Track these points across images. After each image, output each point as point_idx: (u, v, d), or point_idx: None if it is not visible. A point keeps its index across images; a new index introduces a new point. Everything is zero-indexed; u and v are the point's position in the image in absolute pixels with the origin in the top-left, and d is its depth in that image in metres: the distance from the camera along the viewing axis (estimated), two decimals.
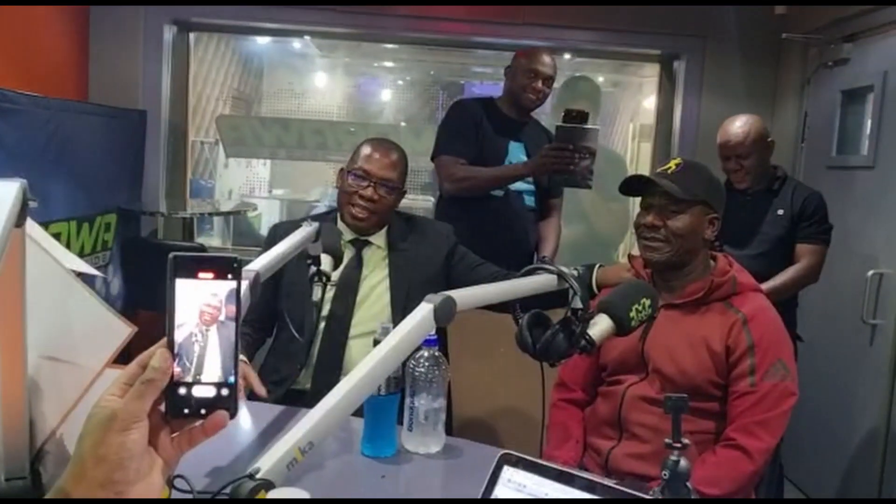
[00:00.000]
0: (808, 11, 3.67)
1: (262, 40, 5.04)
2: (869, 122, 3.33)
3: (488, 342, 2.27)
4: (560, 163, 2.54)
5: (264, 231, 5.10)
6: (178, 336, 0.71)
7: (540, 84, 2.95)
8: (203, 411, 0.72)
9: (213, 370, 0.72)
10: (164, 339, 0.72)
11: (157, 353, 0.71)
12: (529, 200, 3.03)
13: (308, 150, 4.51)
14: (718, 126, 3.02)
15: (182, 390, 0.72)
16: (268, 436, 1.59)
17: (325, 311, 2.12)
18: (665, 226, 1.81)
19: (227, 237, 4.83)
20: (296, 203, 5.44)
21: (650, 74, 4.65)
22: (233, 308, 0.72)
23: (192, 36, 4.29)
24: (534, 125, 3.11)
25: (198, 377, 0.72)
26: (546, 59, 2.99)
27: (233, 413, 0.74)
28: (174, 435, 0.73)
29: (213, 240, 4.73)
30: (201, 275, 0.72)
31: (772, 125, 3.96)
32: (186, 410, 0.72)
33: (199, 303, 0.72)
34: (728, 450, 1.70)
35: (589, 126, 2.58)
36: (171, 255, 0.71)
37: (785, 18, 3.83)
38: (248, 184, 5.32)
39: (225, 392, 0.73)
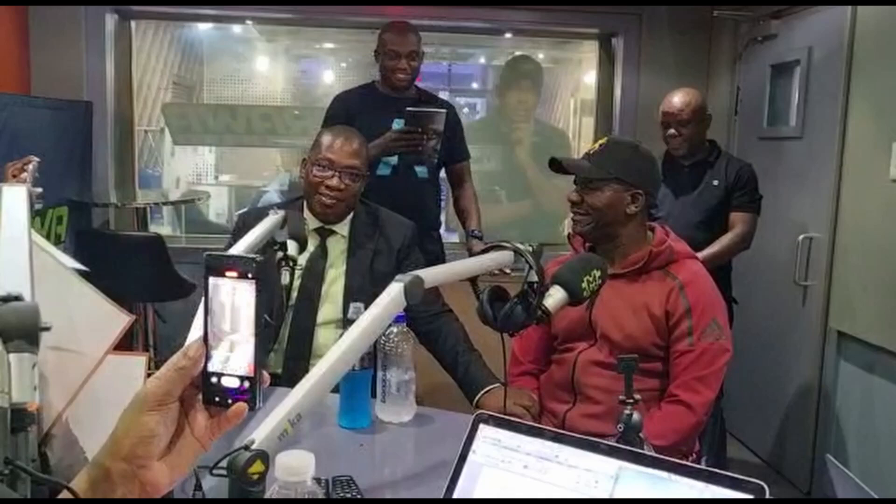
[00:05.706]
0: None
1: (203, 26, 5.00)
2: (796, 95, 3.50)
3: None
4: (409, 145, 2.77)
5: (213, 218, 5.10)
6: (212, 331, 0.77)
7: (404, 62, 2.98)
8: (229, 401, 0.78)
9: (237, 364, 0.78)
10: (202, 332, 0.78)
11: (192, 345, 0.77)
12: (422, 172, 3.06)
13: (256, 136, 4.50)
14: (657, 100, 3.18)
15: (213, 379, 0.78)
16: (249, 413, 1.66)
17: (293, 298, 2.17)
18: (584, 201, 1.94)
19: (178, 225, 4.82)
20: (243, 189, 5.41)
21: (589, 51, 4.75)
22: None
23: (132, 24, 4.27)
24: (425, 98, 3.15)
25: (225, 369, 0.78)
26: (407, 36, 3.00)
27: (252, 405, 0.78)
28: (212, 419, 0.79)
29: (164, 228, 4.71)
30: (228, 273, 0.76)
31: (707, 99, 4.13)
32: (217, 398, 0.78)
33: (229, 300, 0.77)
34: (672, 405, 1.85)
35: (438, 109, 2.79)
36: (205, 254, 0.77)
37: None
38: (196, 171, 5.28)
39: (247, 385, 0.78)
